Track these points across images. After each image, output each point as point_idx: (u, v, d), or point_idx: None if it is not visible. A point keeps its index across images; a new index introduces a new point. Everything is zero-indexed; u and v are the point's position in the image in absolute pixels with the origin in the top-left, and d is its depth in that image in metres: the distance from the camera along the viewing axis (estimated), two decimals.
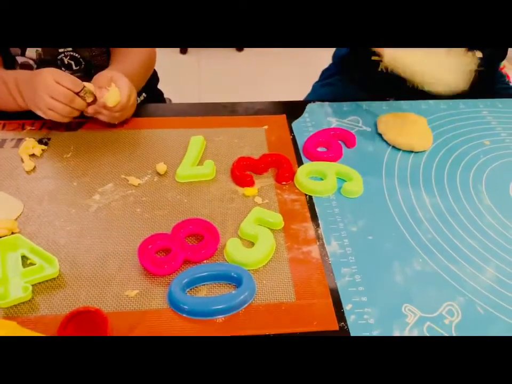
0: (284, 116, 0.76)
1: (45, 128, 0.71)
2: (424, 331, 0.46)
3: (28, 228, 0.56)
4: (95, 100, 0.65)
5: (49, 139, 0.69)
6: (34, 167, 0.64)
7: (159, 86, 1.02)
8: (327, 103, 0.80)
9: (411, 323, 0.47)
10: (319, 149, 0.69)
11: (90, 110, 0.66)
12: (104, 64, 0.80)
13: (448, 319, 0.48)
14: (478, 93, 0.81)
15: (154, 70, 0.97)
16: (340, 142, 0.70)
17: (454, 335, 0.46)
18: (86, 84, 0.64)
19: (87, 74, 0.80)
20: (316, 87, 1.06)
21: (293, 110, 0.78)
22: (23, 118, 0.72)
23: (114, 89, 0.64)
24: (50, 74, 0.62)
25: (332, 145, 0.69)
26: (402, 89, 0.75)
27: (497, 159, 0.69)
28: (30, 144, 0.66)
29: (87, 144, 0.68)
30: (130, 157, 0.67)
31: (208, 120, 0.74)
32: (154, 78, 1.00)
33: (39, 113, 0.65)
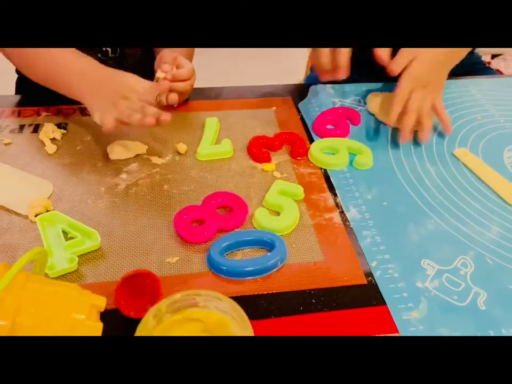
0: (290, 98, 0.80)
1: (61, 113, 0.73)
2: (444, 281, 0.51)
3: (62, 206, 0.58)
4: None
5: (66, 124, 0.71)
6: (57, 150, 0.66)
7: None
8: (328, 85, 0.84)
9: (431, 275, 0.52)
10: (328, 127, 0.73)
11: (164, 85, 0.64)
12: (135, 53, 0.81)
13: (463, 270, 0.53)
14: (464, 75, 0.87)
15: None
16: (346, 120, 0.74)
17: (470, 283, 0.51)
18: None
19: (119, 63, 0.81)
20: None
21: (297, 92, 0.82)
22: (37, 104, 0.73)
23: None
24: (134, 94, 0.61)
25: (339, 123, 0.73)
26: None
27: (490, 131, 0.75)
28: (50, 129, 0.68)
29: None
30: (149, 139, 0.69)
31: (219, 103, 0.78)
32: None
33: (96, 118, 0.62)
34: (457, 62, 0.75)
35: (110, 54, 0.79)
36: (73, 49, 0.67)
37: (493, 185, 0.64)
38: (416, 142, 0.71)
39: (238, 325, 0.33)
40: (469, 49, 0.80)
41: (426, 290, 0.50)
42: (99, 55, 0.78)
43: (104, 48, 0.79)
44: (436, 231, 0.57)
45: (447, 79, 0.84)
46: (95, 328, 0.39)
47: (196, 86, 0.74)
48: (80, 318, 0.39)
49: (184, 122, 0.73)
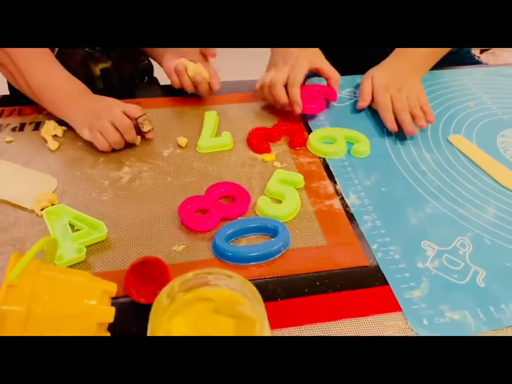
0: None
1: None
2: (444, 261, 0.53)
3: (66, 199, 0.59)
4: (151, 130, 0.67)
5: None
6: (59, 146, 0.67)
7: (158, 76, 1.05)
8: None
9: (431, 256, 0.53)
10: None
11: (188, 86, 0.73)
12: None
13: (462, 250, 0.54)
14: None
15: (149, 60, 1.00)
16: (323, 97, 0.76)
17: (469, 262, 0.53)
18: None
19: (106, 53, 0.82)
20: None
21: None
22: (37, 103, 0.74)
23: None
24: (117, 105, 0.65)
25: (315, 99, 0.73)
26: None
27: (483, 118, 0.77)
28: (51, 126, 0.69)
29: None
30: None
31: (217, 98, 0.79)
32: (149, 65, 1.03)
33: (85, 133, 0.65)
34: (432, 63, 0.82)
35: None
36: (53, 63, 0.69)
37: (487, 169, 0.66)
38: None
39: (249, 301, 0.34)
40: (444, 51, 0.84)
41: (427, 270, 0.52)
42: (86, 48, 0.79)
43: None
44: (434, 214, 0.59)
45: (439, 69, 0.87)
46: (107, 313, 0.40)
47: None
48: (92, 303, 0.40)
49: (183, 117, 0.74)
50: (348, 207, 0.59)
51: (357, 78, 0.85)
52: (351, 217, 0.58)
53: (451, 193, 0.62)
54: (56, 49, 0.79)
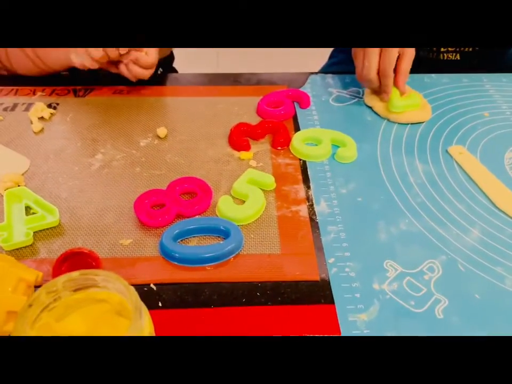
0: (285, 86, 0.78)
1: (55, 94, 0.74)
2: (404, 285, 0.48)
3: (33, 182, 0.59)
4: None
5: (57, 104, 0.72)
6: (42, 129, 0.67)
7: (177, 66, 1.05)
8: (329, 75, 0.81)
9: (391, 277, 0.49)
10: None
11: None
12: None
13: (428, 275, 0.49)
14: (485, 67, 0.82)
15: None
16: (293, 102, 0.73)
17: (432, 289, 0.48)
18: None
19: None
20: (328, 63, 1.06)
21: (295, 81, 0.79)
22: (35, 84, 0.75)
23: None
24: None
25: (284, 103, 0.71)
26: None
27: (495, 130, 0.69)
28: (40, 108, 0.70)
29: (93, 109, 0.71)
30: (133, 122, 0.69)
31: (211, 89, 0.77)
32: (170, 55, 1.03)
33: (72, 56, 0.68)
34: None
35: None
36: None
37: (484, 187, 0.59)
38: (410, 136, 0.67)
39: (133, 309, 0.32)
40: None
41: (382, 292, 0.47)
42: None
43: None
44: (408, 231, 0.54)
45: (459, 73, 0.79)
46: (17, 301, 0.39)
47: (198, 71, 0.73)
48: (7, 289, 0.40)
49: (170, 107, 0.72)
50: (315, 215, 0.55)
51: None
52: (315, 226, 0.54)
53: (434, 209, 0.56)
54: None
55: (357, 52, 0.69)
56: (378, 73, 0.67)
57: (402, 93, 0.69)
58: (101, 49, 0.66)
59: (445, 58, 0.88)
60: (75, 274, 0.33)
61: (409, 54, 0.67)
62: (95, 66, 0.68)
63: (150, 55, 0.69)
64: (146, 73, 0.71)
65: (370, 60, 0.66)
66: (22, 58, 0.72)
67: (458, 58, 0.88)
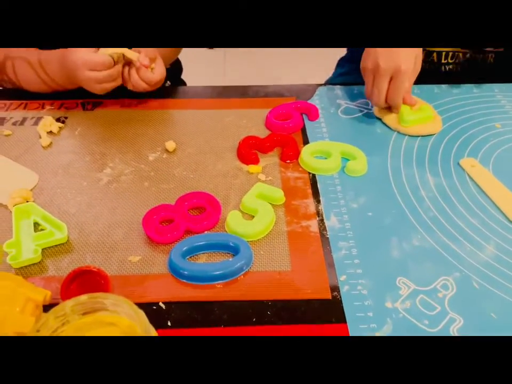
0: (294, 98, 0.77)
1: (63, 107, 0.74)
2: (417, 303, 0.47)
3: (42, 197, 0.59)
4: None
5: (66, 117, 0.72)
6: (51, 143, 0.67)
7: (185, 78, 1.05)
8: (338, 86, 0.80)
9: (404, 295, 0.48)
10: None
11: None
12: None
13: (442, 293, 0.48)
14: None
15: (178, 59, 0.99)
16: (300, 113, 0.72)
17: (447, 307, 0.46)
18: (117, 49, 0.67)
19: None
20: (334, 74, 1.06)
21: (303, 93, 0.79)
22: (44, 98, 0.75)
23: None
24: (84, 53, 0.65)
25: (292, 116, 0.71)
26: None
27: (508, 141, 0.68)
28: (48, 122, 0.70)
29: (102, 123, 0.71)
30: (141, 135, 0.69)
31: (219, 102, 0.76)
32: (178, 68, 1.03)
33: (88, 88, 0.68)
34: None
35: None
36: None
37: (498, 201, 0.58)
38: (420, 148, 0.66)
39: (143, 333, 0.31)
40: None
41: (394, 311, 0.46)
42: None
43: None
44: (421, 247, 0.53)
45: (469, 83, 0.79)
46: (25, 322, 0.39)
47: (205, 82, 0.73)
48: (14, 310, 0.39)
49: (178, 120, 0.72)
50: (326, 230, 0.55)
51: None
52: (325, 241, 0.53)
53: (447, 225, 0.55)
54: None
55: (366, 71, 0.68)
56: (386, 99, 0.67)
57: (412, 106, 0.68)
58: (106, 72, 0.66)
59: (446, 70, 0.87)
60: (83, 298, 0.32)
61: (416, 72, 0.66)
62: (108, 87, 0.68)
63: (156, 73, 0.69)
64: (143, 87, 0.70)
65: (380, 88, 0.66)
66: (29, 74, 0.72)
67: (459, 69, 0.86)
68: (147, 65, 0.67)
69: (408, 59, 0.63)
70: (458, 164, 0.64)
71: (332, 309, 0.47)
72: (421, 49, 0.66)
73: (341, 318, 0.46)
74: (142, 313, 0.32)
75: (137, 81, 0.69)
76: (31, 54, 0.72)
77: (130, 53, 0.67)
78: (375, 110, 0.73)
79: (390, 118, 0.70)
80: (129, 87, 0.70)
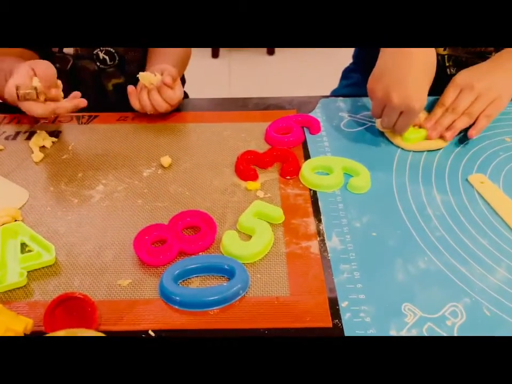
0: (295, 110, 0.75)
1: (57, 121, 0.72)
2: (424, 332, 0.44)
3: (31, 216, 0.56)
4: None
5: (60, 132, 0.70)
6: (43, 158, 0.65)
7: (189, 90, 1.02)
8: (340, 98, 0.78)
9: (410, 323, 0.45)
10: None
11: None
12: (137, 59, 0.81)
13: (450, 320, 0.45)
14: None
15: None
16: (301, 127, 0.70)
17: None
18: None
19: (120, 69, 0.81)
20: (339, 86, 1.03)
21: (304, 105, 0.76)
22: None
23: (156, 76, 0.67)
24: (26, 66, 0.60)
25: (292, 129, 0.68)
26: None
27: None
28: (41, 136, 0.68)
29: (96, 137, 0.69)
30: (136, 150, 0.67)
31: (218, 115, 0.74)
32: (182, 79, 1.01)
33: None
34: None
35: (108, 62, 0.79)
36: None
37: (508, 220, 0.55)
38: (426, 163, 0.64)
39: None
40: None
41: None
42: (98, 64, 0.78)
43: (101, 57, 0.78)
44: (428, 270, 0.50)
45: None
46: None
47: (210, 92, 0.71)
48: None
49: (175, 134, 0.70)
50: (327, 252, 0.52)
51: None
52: (327, 264, 0.51)
53: (455, 246, 0.52)
54: (70, 63, 0.78)
55: (376, 98, 0.63)
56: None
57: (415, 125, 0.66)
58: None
59: (452, 72, 0.84)
60: (61, 333, 0.30)
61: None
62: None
63: (177, 92, 0.67)
64: (165, 107, 0.68)
65: (390, 119, 0.63)
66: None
67: None
68: (171, 84, 0.65)
69: (421, 97, 0.60)
70: (466, 180, 0.61)
71: None
72: (431, 80, 0.62)
73: None
74: None
75: (160, 103, 0.67)
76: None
77: (151, 78, 0.65)
78: (377, 124, 0.70)
79: (393, 135, 0.67)
80: (149, 111, 0.68)
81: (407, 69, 0.59)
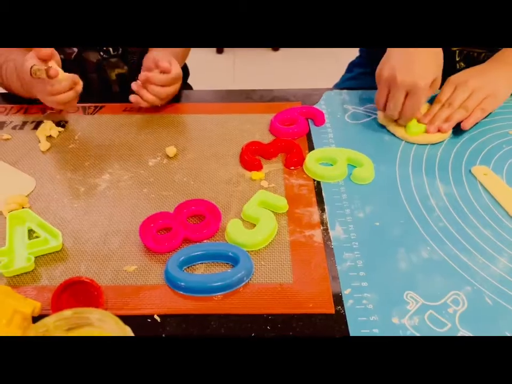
0: (299, 102, 0.75)
1: (65, 111, 0.73)
2: (425, 319, 0.44)
3: (38, 203, 0.57)
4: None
5: (66, 122, 0.71)
6: (50, 148, 0.66)
7: (193, 85, 1.03)
8: (345, 91, 0.78)
9: (412, 310, 0.45)
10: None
11: (134, 87, 0.68)
12: (139, 49, 0.81)
13: (452, 308, 0.45)
14: None
15: (186, 64, 0.98)
16: (306, 119, 0.71)
17: (457, 325, 0.44)
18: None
19: (123, 59, 0.81)
20: (342, 79, 1.03)
21: (309, 97, 0.77)
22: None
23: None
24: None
25: (297, 121, 0.69)
26: None
27: None
28: (48, 126, 0.68)
29: (102, 127, 0.70)
30: (142, 140, 0.67)
31: (223, 106, 0.75)
32: (185, 72, 1.01)
33: (42, 101, 0.66)
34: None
35: (112, 52, 0.79)
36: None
37: (511, 211, 0.55)
38: (430, 155, 0.64)
39: None
40: None
41: (402, 327, 0.44)
42: (101, 53, 0.78)
43: (105, 47, 0.78)
44: (430, 259, 0.50)
45: None
46: (10, 335, 0.37)
47: (214, 87, 0.72)
48: (1, 322, 0.37)
49: (180, 125, 0.70)
50: (330, 241, 0.52)
51: None
52: (330, 252, 0.51)
53: (458, 236, 0.53)
54: (75, 52, 0.79)
55: (381, 80, 0.64)
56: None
57: (418, 119, 0.66)
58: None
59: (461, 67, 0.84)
60: (67, 313, 0.30)
61: (431, 91, 0.64)
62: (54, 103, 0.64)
63: (173, 67, 0.67)
64: (151, 99, 0.68)
65: (395, 101, 0.63)
66: (12, 78, 0.71)
67: None
68: (168, 68, 0.66)
69: (426, 76, 0.61)
70: (470, 171, 0.61)
71: (335, 324, 0.44)
72: (441, 71, 0.63)
73: (345, 334, 0.43)
74: (128, 330, 0.30)
75: (154, 89, 0.67)
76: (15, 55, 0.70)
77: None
78: (380, 117, 0.70)
79: (396, 128, 0.67)
80: (144, 103, 0.69)
81: (415, 53, 0.61)
